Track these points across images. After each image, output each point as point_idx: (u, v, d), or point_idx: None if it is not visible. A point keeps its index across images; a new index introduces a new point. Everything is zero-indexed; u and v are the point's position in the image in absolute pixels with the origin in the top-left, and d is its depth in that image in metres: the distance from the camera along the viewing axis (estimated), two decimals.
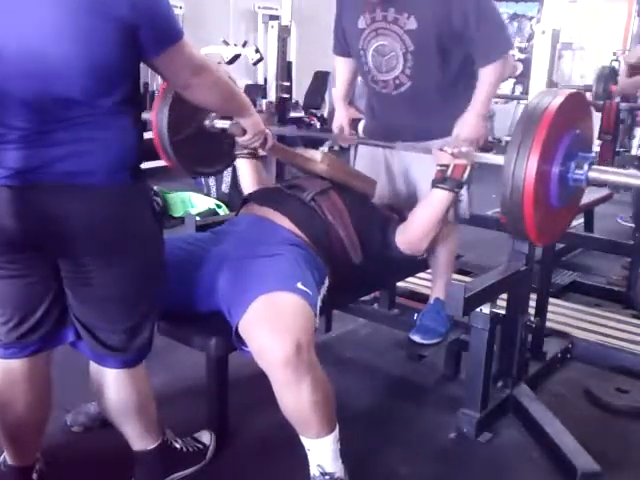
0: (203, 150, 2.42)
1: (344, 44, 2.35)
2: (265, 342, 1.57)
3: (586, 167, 1.65)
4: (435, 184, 1.98)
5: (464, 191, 2.18)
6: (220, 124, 2.32)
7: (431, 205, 2.01)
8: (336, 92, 2.54)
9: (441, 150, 1.93)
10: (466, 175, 1.94)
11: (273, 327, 1.58)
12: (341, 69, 2.48)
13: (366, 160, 2.43)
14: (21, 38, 1.26)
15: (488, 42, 2.10)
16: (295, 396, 1.59)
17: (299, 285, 1.67)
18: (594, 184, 1.70)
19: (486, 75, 2.14)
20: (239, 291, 1.68)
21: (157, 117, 2.24)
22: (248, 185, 2.33)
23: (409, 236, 2.05)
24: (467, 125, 2.16)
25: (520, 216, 1.61)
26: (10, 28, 1.26)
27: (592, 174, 1.65)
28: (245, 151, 2.28)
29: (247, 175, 2.32)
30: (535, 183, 1.55)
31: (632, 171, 1.69)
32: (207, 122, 2.34)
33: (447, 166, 1.95)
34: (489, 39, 2.10)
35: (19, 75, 1.28)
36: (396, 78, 2.18)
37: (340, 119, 2.48)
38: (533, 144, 1.55)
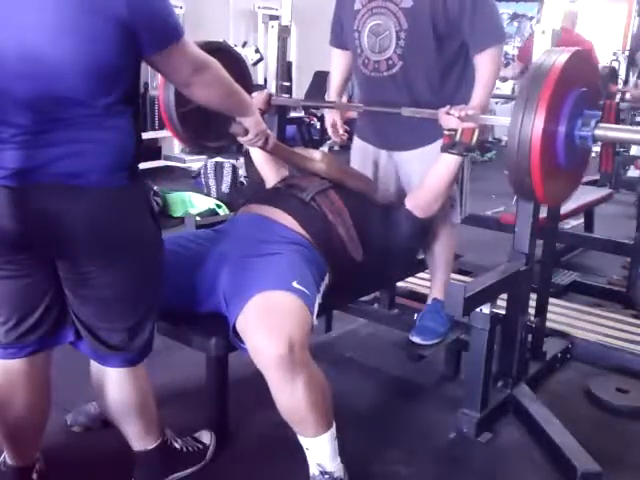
0: (209, 125, 2.41)
1: (340, 34, 2.34)
2: (259, 341, 1.58)
3: (593, 124, 1.64)
4: (445, 149, 1.98)
5: (456, 197, 2.18)
6: None
7: (441, 170, 2.02)
8: (331, 87, 2.50)
9: (448, 114, 1.93)
10: (475, 138, 1.93)
11: (266, 326, 1.58)
12: (337, 62, 2.45)
13: (358, 154, 2.42)
14: (20, 38, 1.26)
15: (482, 27, 2.08)
16: (290, 395, 1.60)
17: (295, 284, 1.67)
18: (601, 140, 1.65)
19: (482, 65, 2.11)
20: (237, 290, 1.69)
21: (164, 89, 2.24)
22: (262, 162, 2.29)
23: (420, 199, 2.07)
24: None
25: (527, 173, 1.59)
26: (9, 28, 1.26)
27: (598, 132, 1.64)
28: None
29: (260, 154, 2.26)
30: (542, 140, 1.54)
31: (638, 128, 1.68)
32: None
33: (455, 130, 1.94)
34: (484, 24, 2.08)
35: (18, 75, 1.28)
36: (389, 59, 2.15)
37: (333, 115, 2.46)
38: (539, 101, 1.54)
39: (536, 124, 1.54)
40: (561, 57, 1.60)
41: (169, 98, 2.25)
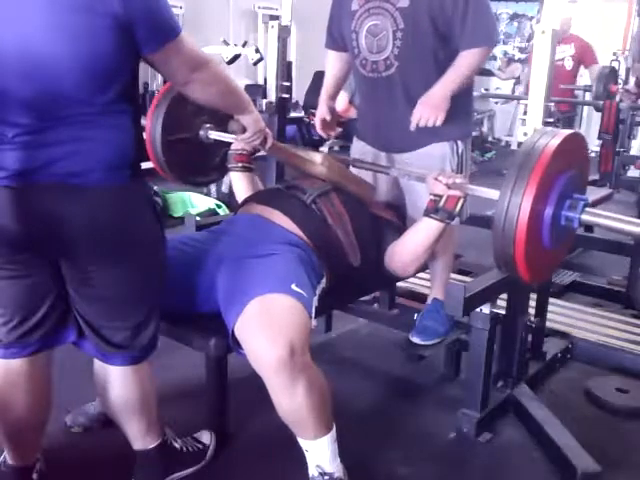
0: (195, 160, 2.40)
1: (337, 36, 2.32)
2: (258, 345, 1.57)
3: (580, 208, 1.65)
4: (427, 213, 1.93)
5: None
6: (214, 135, 2.31)
7: (421, 233, 1.97)
8: (324, 86, 2.48)
9: (435, 180, 1.89)
10: (459, 207, 1.88)
11: (266, 330, 1.57)
12: (331, 64, 2.44)
13: (357, 154, 2.41)
14: (17, 38, 1.27)
15: (475, 26, 2.05)
16: (290, 399, 1.59)
17: (293, 287, 1.66)
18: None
19: (465, 57, 2.07)
20: (235, 292, 1.68)
21: (151, 122, 2.23)
22: (243, 198, 2.28)
23: (396, 260, 2.03)
24: (430, 97, 2.08)
25: (511, 253, 1.60)
26: (8, 28, 1.27)
27: (585, 216, 1.65)
28: (239, 164, 2.26)
29: (242, 188, 2.27)
30: (528, 223, 1.54)
31: (626, 217, 1.69)
32: (201, 132, 2.32)
33: (440, 196, 1.89)
34: (476, 24, 2.06)
35: (18, 74, 1.28)
36: (386, 59, 2.13)
37: (322, 114, 2.41)
38: (528, 186, 1.54)
39: (523, 207, 1.54)
40: (553, 140, 1.60)
41: (156, 133, 2.24)
